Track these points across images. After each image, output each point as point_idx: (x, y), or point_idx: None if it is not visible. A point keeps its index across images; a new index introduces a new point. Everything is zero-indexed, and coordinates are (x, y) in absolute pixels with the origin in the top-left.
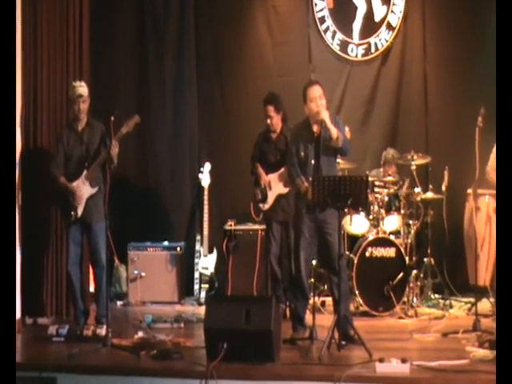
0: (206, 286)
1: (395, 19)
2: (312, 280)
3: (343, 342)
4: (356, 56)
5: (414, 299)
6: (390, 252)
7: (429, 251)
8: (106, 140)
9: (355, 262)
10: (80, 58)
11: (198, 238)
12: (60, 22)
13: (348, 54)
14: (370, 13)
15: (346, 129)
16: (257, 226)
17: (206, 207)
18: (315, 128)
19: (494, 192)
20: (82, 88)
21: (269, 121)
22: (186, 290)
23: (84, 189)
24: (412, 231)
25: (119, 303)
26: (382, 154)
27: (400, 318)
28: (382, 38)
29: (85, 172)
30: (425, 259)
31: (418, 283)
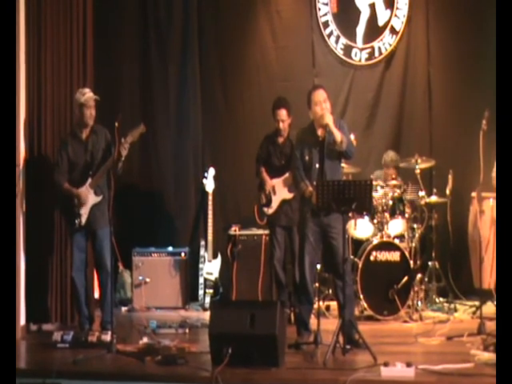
0: (211, 291)
1: (399, 23)
2: (316, 284)
3: (348, 347)
4: (360, 60)
5: (419, 303)
6: (395, 256)
7: (433, 255)
8: (110, 147)
9: (360, 266)
10: (84, 65)
11: (203, 243)
12: (64, 29)
13: (352, 59)
14: (373, 17)
15: (352, 136)
16: (261, 231)
17: (210, 212)
18: (320, 132)
19: None
20: (92, 93)
21: (281, 125)
22: (190, 295)
23: (88, 196)
24: (416, 235)
25: (124, 309)
26: (382, 157)
27: (405, 321)
28: (386, 42)
29: (89, 180)
30: (429, 263)
31: (423, 287)
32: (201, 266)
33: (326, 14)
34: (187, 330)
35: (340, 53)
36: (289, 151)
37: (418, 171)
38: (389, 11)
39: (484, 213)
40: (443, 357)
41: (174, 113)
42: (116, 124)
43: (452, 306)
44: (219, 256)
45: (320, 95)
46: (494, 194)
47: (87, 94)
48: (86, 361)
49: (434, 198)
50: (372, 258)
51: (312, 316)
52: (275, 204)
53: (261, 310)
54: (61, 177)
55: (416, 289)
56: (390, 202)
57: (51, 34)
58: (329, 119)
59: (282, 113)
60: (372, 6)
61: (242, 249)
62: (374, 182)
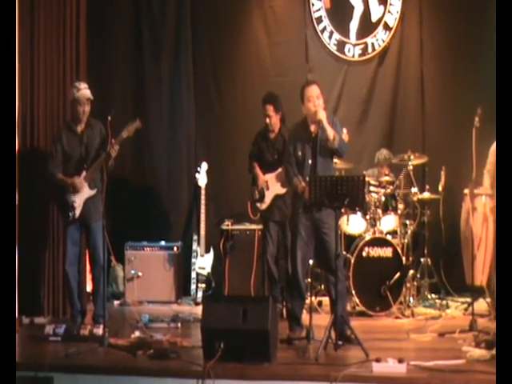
0: (203, 285)
1: (392, 19)
2: (309, 280)
3: (340, 342)
4: (353, 56)
5: (411, 299)
6: (387, 252)
7: (425, 251)
8: (105, 142)
9: (352, 261)
10: (77, 60)
11: (195, 237)
12: (57, 24)
13: (345, 54)
14: (366, 13)
15: (344, 131)
16: (254, 226)
17: (202, 207)
18: (312, 128)
19: (491, 192)
20: (88, 90)
21: (268, 120)
22: (182, 289)
23: (83, 189)
24: (409, 231)
25: (116, 303)
26: (375, 155)
27: (397, 317)
28: (379, 38)
29: (84, 173)
30: (421, 259)
31: (415, 283)
32: (193, 260)
33: (319, 10)
34: (179, 325)
35: (333, 48)
36: (281, 146)
37: (410, 167)
38: (382, 7)
39: (476, 210)
40: (435, 353)
41: (167, 108)
42: (109, 118)
43: (444, 302)
44: (212, 250)
45: (313, 91)
46: (487, 191)
47: (81, 91)
48: (78, 354)
49: (426, 195)
50: (364, 253)
51: (304, 311)
52: (268, 199)
53: (253, 305)
54: (55, 168)
55: (408, 285)
56: (383, 198)
57: (44, 29)
58: (322, 115)
59: (268, 108)
60: (365, 2)
61: (235, 243)
62: (367, 178)
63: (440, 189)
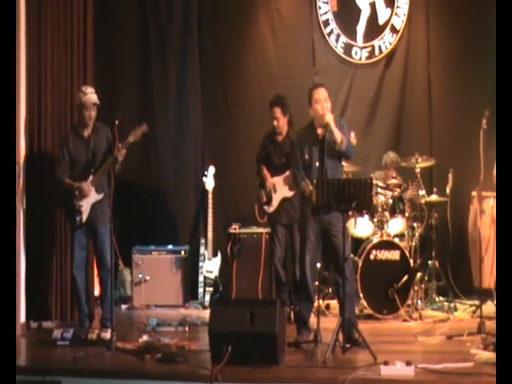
0: (211, 289)
1: (399, 22)
2: (316, 283)
3: (348, 345)
4: (360, 59)
5: (419, 302)
6: (395, 255)
7: (433, 254)
8: (111, 146)
9: (360, 264)
10: (84, 63)
11: (203, 241)
12: (64, 27)
13: (352, 57)
14: (373, 16)
15: (352, 135)
16: (261, 230)
17: (210, 211)
18: (320, 131)
19: None
20: (94, 95)
21: (275, 123)
22: (190, 293)
23: (90, 194)
24: (416, 234)
25: (124, 307)
26: (383, 158)
27: (404, 320)
28: (386, 41)
29: (91, 178)
30: (429, 262)
31: (423, 286)
32: (201, 264)
33: (326, 13)
34: (187, 328)
35: (340, 51)
36: (289, 149)
37: (418, 170)
38: (389, 10)
39: (484, 212)
40: (443, 356)
41: (173, 111)
42: (116, 122)
43: (452, 305)
44: (219, 254)
45: (321, 93)
46: (495, 194)
47: (88, 96)
48: (85, 358)
49: (434, 197)
50: (372, 256)
51: (312, 314)
52: (276, 202)
53: (260, 309)
54: (62, 173)
55: (416, 288)
56: (390, 201)
57: (51, 32)
58: (329, 118)
59: (276, 111)
60: (372, 5)
61: (242, 247)
62: (374, 181)
63: (447, 191)
